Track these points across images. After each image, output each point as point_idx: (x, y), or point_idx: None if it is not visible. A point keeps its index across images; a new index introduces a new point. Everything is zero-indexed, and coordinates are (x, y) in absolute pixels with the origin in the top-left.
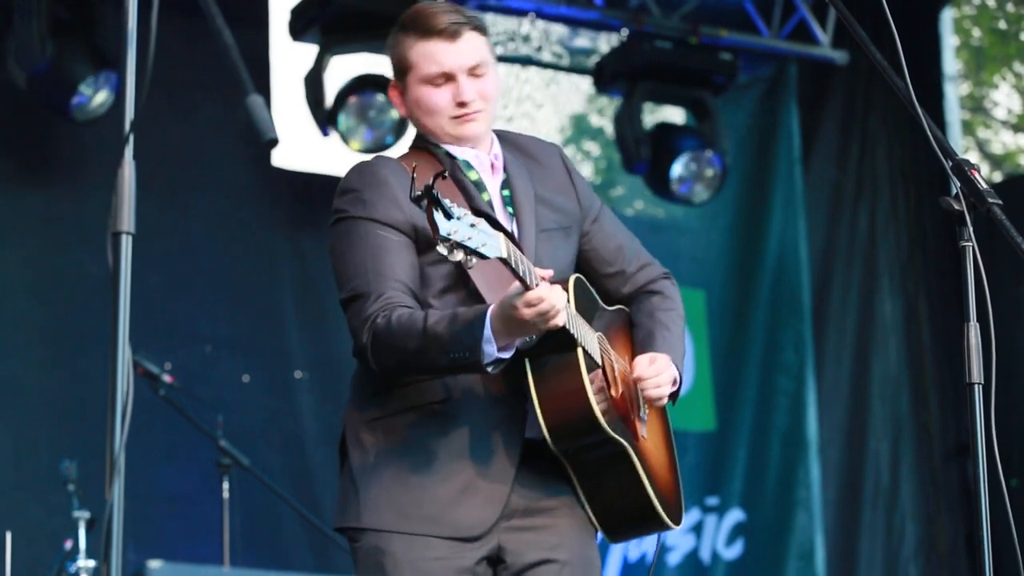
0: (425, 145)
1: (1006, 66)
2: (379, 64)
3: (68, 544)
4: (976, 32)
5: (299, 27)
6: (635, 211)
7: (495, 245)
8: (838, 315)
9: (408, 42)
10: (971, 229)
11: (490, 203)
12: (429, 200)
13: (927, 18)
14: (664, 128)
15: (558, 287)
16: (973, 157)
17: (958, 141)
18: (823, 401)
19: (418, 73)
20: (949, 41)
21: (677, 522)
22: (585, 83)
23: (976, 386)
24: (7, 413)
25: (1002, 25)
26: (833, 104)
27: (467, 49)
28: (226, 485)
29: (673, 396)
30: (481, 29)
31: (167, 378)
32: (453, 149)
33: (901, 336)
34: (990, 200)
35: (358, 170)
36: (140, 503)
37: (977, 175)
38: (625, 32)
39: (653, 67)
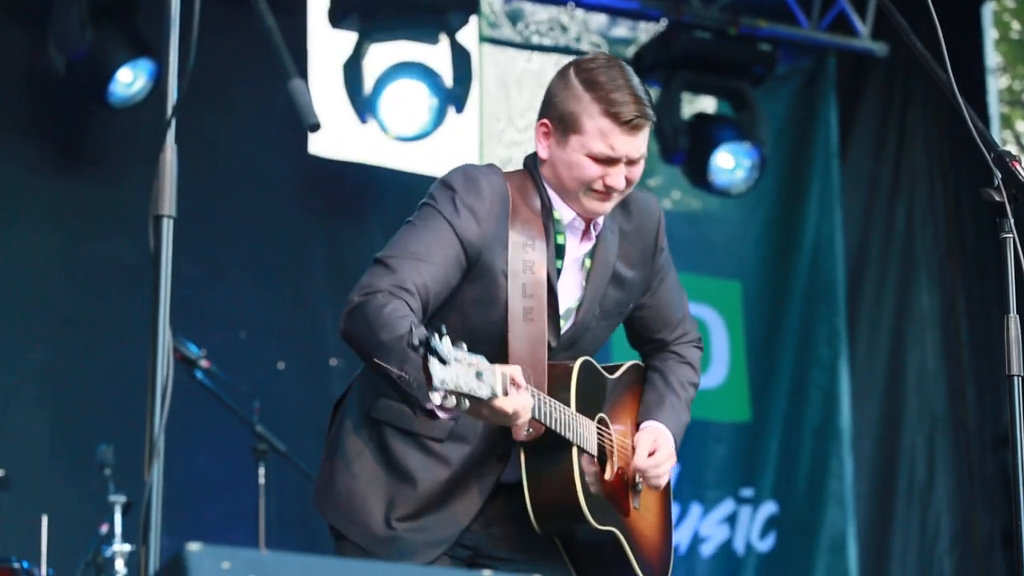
0: (537, 180)
1: None
2: (418, 52)
3: (104, 528)
4: (1016, 25)
5: (339, 14)
6: (672, 201)
7: (489, 384)
8: (873, 308)
9: (589, 106)
10: (1012, 221)
11: (559, 271)
12: (426, 350)
13: (968, 11)
14: (702, 118)
15: (526, 398)
16: (1012, 150)
17: (997, 134)
18: (856, 394)
19: (586, 144)
20: (990, 34)
21: None
22: None
23: (1016, 378)
24: (42, 399)
25: None
26: (871, 96)
27: (639, 141)
28: (262, 471)
29: None
30: (653, 121)
31: (204, 363)
32: (558, 204)
33: (938, 329)
34: None
35: (465, 173)
36: (174, 488)
37: (1018, 167)
38: (664, 22)
39: (692, 57)
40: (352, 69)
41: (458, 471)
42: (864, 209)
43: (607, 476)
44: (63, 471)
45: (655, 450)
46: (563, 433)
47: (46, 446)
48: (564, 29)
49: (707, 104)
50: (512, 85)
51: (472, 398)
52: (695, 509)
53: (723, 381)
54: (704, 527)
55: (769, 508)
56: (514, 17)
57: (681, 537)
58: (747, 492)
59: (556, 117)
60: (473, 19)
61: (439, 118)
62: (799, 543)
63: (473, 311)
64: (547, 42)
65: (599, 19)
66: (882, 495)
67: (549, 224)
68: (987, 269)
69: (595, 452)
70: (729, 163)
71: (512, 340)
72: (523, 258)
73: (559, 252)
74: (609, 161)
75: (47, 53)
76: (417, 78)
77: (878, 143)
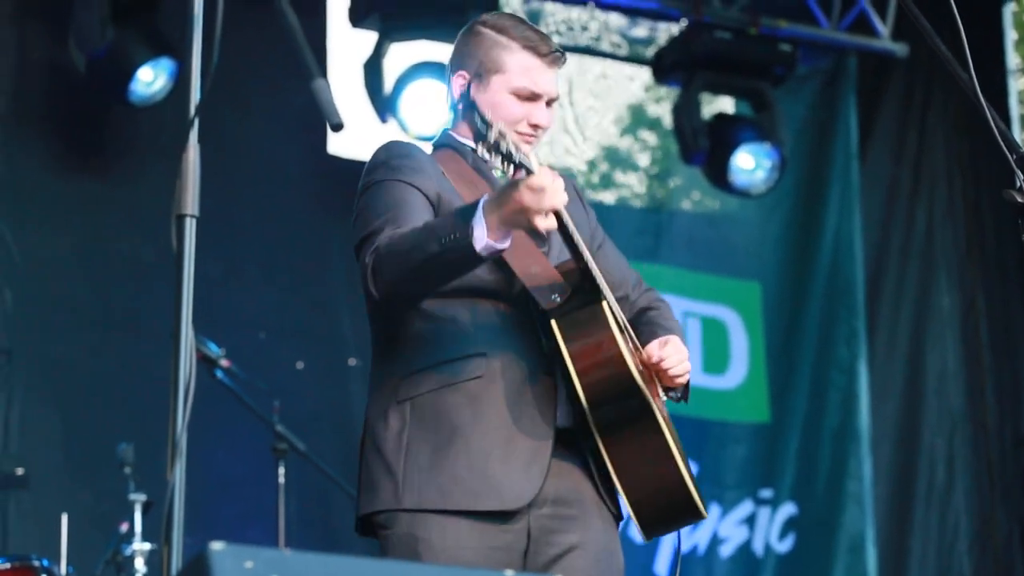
0: (451, 143)
1: None
2: (438, 51)
3: (124, 527)
4: None
5: (359, 14)
6: (692, 202)
7: (531, 161)
8: (892, 309)
9: (507, 46)
10: None
11: None
12: (466, 107)
13: (989, 13)
14: (722, 119)
15: (559, 177)
16: None
17: (1018, 135)
18: (875, 395)
19: (510, 81)
20: (1011, 35)
21: (705, 510)
22: (643, 73)
23: None
24: (60, 397)
25: None
26: (891, 97)
27: (555, 80)
28: (282, 470)
29: (684, 392)
30: (564, 61)
31: (224, 362)
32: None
33: (957, 330)
34: None
35: (385, 146)
36: (193, 487)
37: None
38: (684, 22)
39: (712, 57)
40: (372, 69)
41: (512, 401)
42: (884, 210)
43: (632, 354)
44: (82, 469)
45: (666, 343)
46: (593, 273)
47: (65, 444)
48: (584, 29)
49: (726, 104)
50: None
51: (511, 160)
52: (714, 510)
53: (742, 382)
54: (723, 528)
55: (788, 509)
56: (534, 17)
57: (700, 538)
58: (766, 493)
59: (473, 65)
60: None
61: None
62: (818, 544)
63: None
64: (567, 42)
65: (619, 19)
66: (901, 496)
67: (484, 169)
68: (1007, 270)
69: (621, 320)
70: (749, 164)
71: (510, 259)
72: (473, 193)
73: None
74: (532, 97)
75: (68, 51)
76: (437, 78)
77: (898, 144)
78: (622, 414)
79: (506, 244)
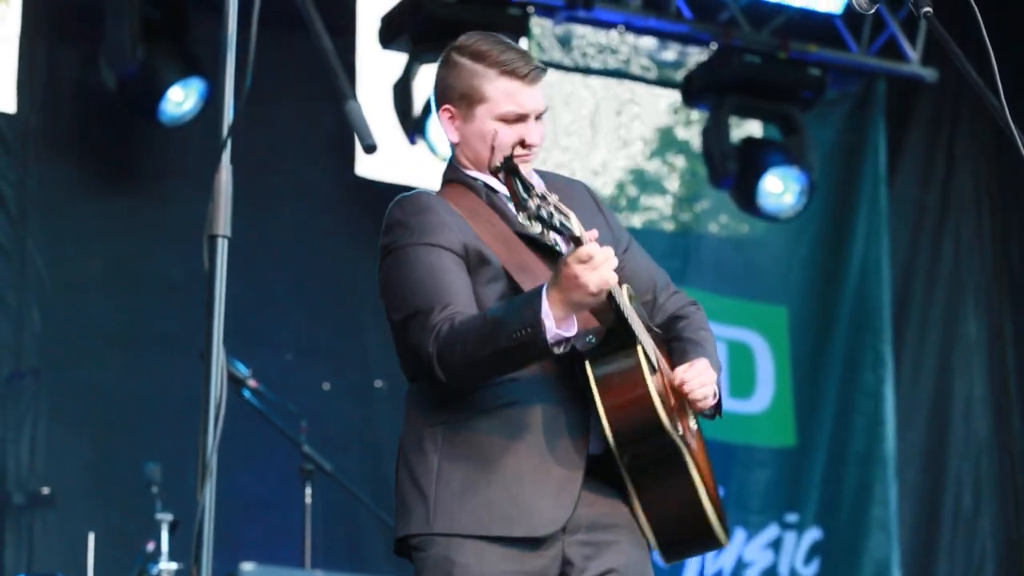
0: (461, 178)
1: None
2: None
3: (150, 546)
4: None
5: (389, 35)
6: (720, 225)
7: (572, 222)
8: (918, 334)
9: (485, 75)
10: None
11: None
12: (507, 170)
13: (1018, 37)
14: (751, 143)
15: (608, 247)
16: None
17: None
18: (901, 421)
19: (494, 109)
20: None
21: (728, 538)
22: (672, 96)
23: None
24: (87, 416)
25: None
26: (920, 121)
27: (539, 95)
28: (308, 491)
29: (717, 408)
30: (544, 72)
31: (252, 383)
32: (492, 182)
33: (984, 356)
34: None
35: (398, 204)
36: (220, 507)
37: None
38: (714, 46)
39: (741, 81)
40: (402, 91)
41: (546, 428)
42: (911, 235)
43: (672, 401)
44: (109, 489)
45: (692, 366)
46: (629, 320)
47: (92, 464)
48: (614, 52)
49: (755, 128)
50: (560, 108)
51: (555, 228)
52: (739, 534)
53: (768, 406)
54: (748, 552)
55: (813, 534)
56: (564, 40)
57: (725, 562)
58: (791, 517)
59: (456, 97)
60: (523, 42)
61: None
62: (843, 569)
63: (484, 293)
64: (596, 65)
65: (649, 43)
66: (927, 522)
67: (493, 198)
68: None
69: (653, 357)
70: (777, 188)
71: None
72: (491, 232)
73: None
74: (519, 119)
75: (99, 71)
76: None
77: (926, 169)
78: (649, 455)
79: (573, 331)
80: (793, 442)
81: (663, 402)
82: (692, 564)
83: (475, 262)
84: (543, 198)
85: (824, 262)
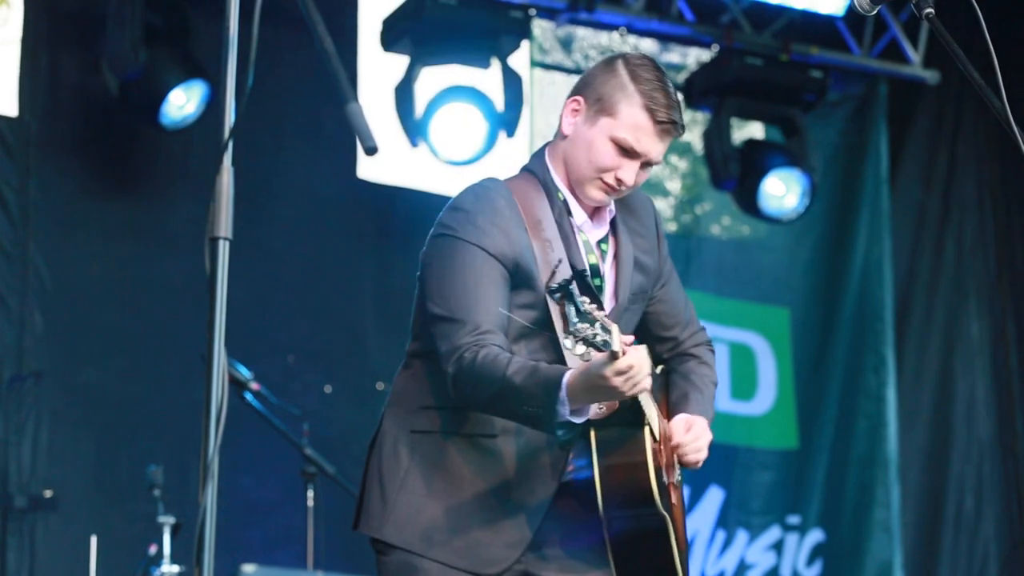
0: (542, 177)
1: None
2: (469, 76)
3: (152, 549)
4: None
5: (391, 38)
6: (722, 227)
7: (613, 339)
8: (921, 336)
9: (630, 96)
10: None
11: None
12: (563, 295)
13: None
14: (753, 145)
15: (644, 352)
16: None
17: None
18: (903, 423)
19: (616, 129)
20: None
21: None
22: None
23: None
24: (89, 419)
25: None
26: (922, 123)
27: (661, 148)
28: (311, 493)
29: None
30: (679, 136)
31: (254, 385)
32: (571, 200)
33: (987, 357)
34: None
35: (474, 192)
36: (222, 510)
37: None
38: (716, 48)
39: (743, 83)
40: (403, 93)
41: (518, 466)
42: (914, 236)
43: (662, 462)
44: (111, 492)
45: (690, 427)
46: (644, 405)
47: (94, 467)
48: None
49: (757, 130)
50: (560, 109)
51: (597, 347)
52: (741, 536)
53: (770, 408)
54: (750, 554)
55: (816, 536)
56: (566, 43)
57: (727, 564)
58: (794, 519)
59: (593, 96)
60: (525, 44)
61: (490, 143)
62: (845, 571)
63: (518, 313)
64: None
65: (650, 45)
66: (929, 524)
67: (564, 220)
68: None
69: (658, 435)
70: (780, 190)
71: (568, 357)
72: (549, 256)
73: (580, 233)
74: (629, 153)
75: (101, 74)
76: (468, 102)
77: (928, 170)
78: (635, 525)
79: (585, 417)
80: (795, 444)
81: (656, 475)
82: (693, 567)
83: (520, 282)
84: (590, 319)
85: (826, 264)
